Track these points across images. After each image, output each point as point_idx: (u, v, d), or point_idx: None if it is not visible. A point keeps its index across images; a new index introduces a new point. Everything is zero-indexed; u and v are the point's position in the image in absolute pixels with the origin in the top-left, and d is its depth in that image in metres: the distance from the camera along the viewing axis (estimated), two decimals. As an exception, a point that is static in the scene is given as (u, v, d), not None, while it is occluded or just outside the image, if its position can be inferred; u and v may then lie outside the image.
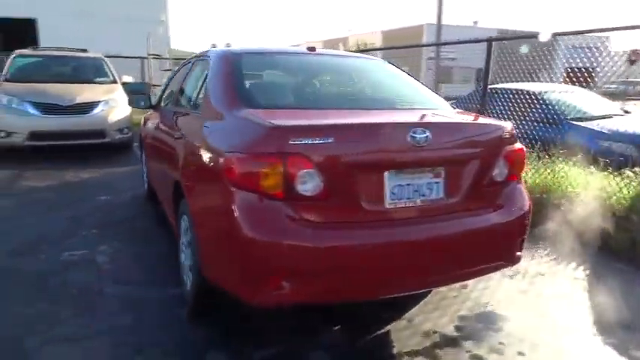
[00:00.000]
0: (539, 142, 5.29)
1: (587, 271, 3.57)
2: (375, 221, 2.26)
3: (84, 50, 9.21)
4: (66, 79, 8.01)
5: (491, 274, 3.29)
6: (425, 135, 2.29)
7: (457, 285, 3.20)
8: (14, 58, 8.28)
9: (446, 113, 2.84)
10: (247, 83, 2.80)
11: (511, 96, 6.16)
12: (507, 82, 6.49)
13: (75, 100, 7.21)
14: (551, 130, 5.68)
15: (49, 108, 7.04)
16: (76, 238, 3.96)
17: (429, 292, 3.08)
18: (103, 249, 3.71)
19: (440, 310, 2.94)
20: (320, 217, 2.17)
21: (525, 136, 5.49)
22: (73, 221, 4.37)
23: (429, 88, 3.25)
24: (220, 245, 2.29)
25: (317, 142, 2.12)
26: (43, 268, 3.33)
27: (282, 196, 2.12)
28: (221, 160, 2.23)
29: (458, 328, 2.74)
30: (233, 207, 2.14)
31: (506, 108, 6.08)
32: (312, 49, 3.32)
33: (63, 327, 2.59)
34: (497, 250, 2.58)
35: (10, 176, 6.20)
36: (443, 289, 3.12)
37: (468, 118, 2.88)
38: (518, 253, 2.66)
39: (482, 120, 2.87)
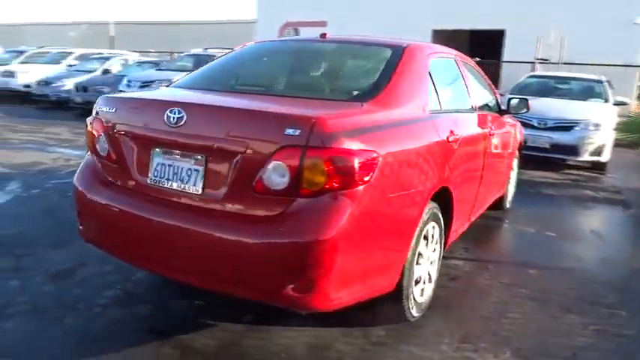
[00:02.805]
0: None
1: None
2: (138, 193, 2.34)
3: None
4: None
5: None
6: (177, 116, 2.16)
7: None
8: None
9: (319, 105, 2.27)
10: (208, 68, 3.09)
11: None
12: None
13: None
14: None
15: None
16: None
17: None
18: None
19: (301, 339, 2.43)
20: (112, 177, 2.48)
21: None
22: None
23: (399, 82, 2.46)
24: None
25: (107, 110, 2.46)
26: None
27: (95, 153, 2.58)
28: None
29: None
30: None
31: None
32: (323, 35, 3.13)
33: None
34: (250, 275, 2.02)
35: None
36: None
37: (266, 105, 2.28)
38: (295, 294, 1.96)
39: (259, 107, 2.20)
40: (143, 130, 2.33)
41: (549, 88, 8.80)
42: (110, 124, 2.44)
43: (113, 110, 2.44)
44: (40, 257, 3.30)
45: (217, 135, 2.11)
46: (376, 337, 2.51)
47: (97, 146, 2.52)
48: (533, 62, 13.30)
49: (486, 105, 4.11)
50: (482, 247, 3.93)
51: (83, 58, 15.09)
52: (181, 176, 2.21)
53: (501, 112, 4.26)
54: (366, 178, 2.01)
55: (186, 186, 2.19)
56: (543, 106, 7.89)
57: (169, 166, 2.25)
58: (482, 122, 3.50)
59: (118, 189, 2.43)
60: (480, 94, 3.89)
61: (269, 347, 2.40)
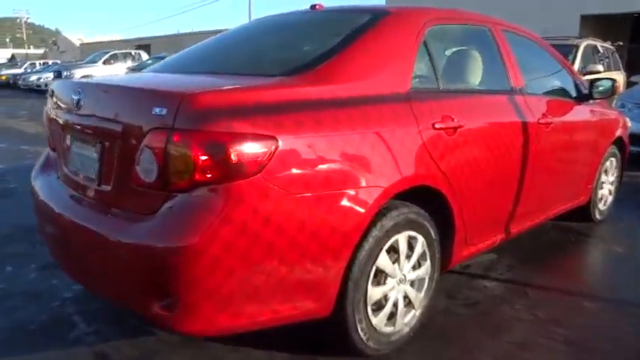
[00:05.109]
0: None
1: None
2: (65, 184, 2.16)
3: None
4: None
5: None
6: (78, 98, 1.95)
7: None
8: None
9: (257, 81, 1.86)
10: (188, 50, 2.81)
11: None
12: None
13: None
14: None
15: None
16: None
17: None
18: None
19: None
20: (56, 167, 2.35)
21: None
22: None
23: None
24: None
25: (49, 96, 2.32)
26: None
27: (47, 141, 2.47)
28: None
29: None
30: None
31: None
32: (313, 6, 2.67)
33: None
34: (124, 285, 1.69)
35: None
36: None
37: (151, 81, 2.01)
38: (163, 312, 1.60)
39: (140, 83, 1.90)
40: (62, 114, 2.15)
41: None
42: (49, 111, 2.31)
43: (51, 95, 2.30)
44: (51, 245, 3.36)
45: (104, 116, 1.84)
46: (319, 370, 2.03)
47: (47, 135, 2.41)
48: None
49: (551, 88, 3.30)
50: (534, 266, 3.12)
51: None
52: (86, 166, 1.97)
53: (581, 98, 3.38)
54: (256, 170, 1.57)
55: (88, 177, 1.95)
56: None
57: (79, 154, 2.03)
58: (527, 108, 2.75)
59: (55, 180, 2.28)
60: (537, 74, 3.10)
61: (188, 366, 2.06)
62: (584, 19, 18.15)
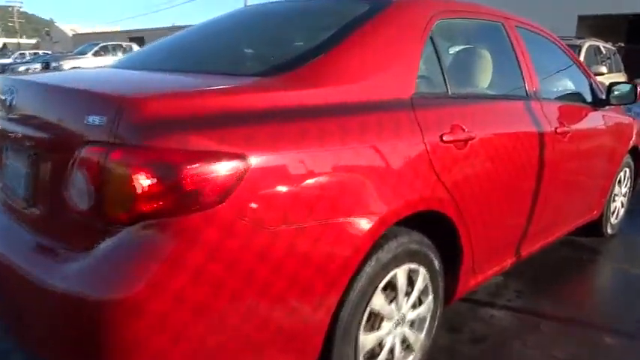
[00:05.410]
0: None
1: None
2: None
3: None
4: None
5: None
6: (10, 97, 1.61)
7: None
8: None
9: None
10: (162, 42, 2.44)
11: None
12: None
13: None
14: None
15: None
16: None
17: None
18: None
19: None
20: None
21: None
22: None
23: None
24: None
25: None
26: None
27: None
28: None
29: None
30: None
31: None
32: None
33: None
34: (49, 339, 1.33)
35: None
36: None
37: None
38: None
39: (75, 83, 1.50)
40: (-4, 117, 1.78)
41: None
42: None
43: None
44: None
45: (35, 122, 1.49)
46: None
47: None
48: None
49: (568, 92, 2.97)
50: (544, 291, 2.79)
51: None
52: (17, 182, 1.61)
53: (597, 104, 3.06)
54: (218, 199, 1.22)
55: (18, 196, 1.59)
56: None
57: (11, 167, 1.67)
58: (544, 115, 2.42)
59: None
60: (554, 76, 2.77)
61: None
62: (582, 19, 17.89)
